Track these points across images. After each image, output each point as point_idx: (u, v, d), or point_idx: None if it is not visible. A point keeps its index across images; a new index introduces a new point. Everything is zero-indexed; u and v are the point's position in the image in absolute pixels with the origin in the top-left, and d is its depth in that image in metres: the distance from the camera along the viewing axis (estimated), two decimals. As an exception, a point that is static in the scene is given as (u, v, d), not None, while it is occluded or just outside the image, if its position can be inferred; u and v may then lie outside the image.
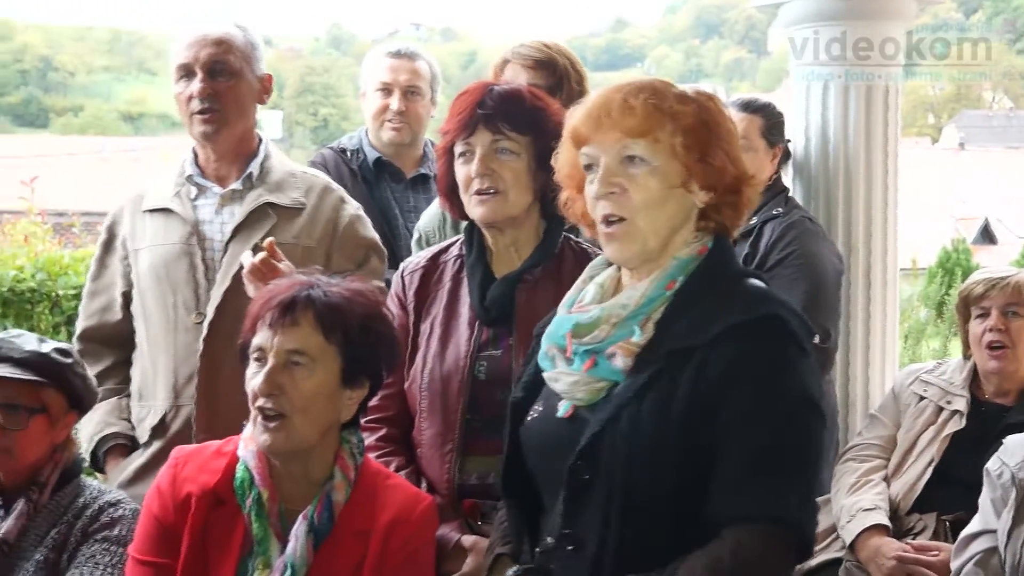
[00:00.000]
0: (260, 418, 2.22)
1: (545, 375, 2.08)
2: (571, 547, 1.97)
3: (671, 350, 1.93)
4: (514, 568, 2.10)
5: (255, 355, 2.25)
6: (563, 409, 2.03)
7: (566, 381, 2.02)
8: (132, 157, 28.45)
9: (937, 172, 27.12)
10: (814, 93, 3.88)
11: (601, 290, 2.08)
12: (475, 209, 2.54)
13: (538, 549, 2.05)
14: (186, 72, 2.98)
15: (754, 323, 1.92)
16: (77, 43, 65.69)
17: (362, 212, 3.14)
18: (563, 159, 2.10)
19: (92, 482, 2.69)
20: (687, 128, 1.97)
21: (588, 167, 2.02)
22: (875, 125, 3.85)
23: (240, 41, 3.02)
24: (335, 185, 3.17)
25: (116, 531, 2.53)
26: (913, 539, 3.01)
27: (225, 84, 2.97)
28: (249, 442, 2.30)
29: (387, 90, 3.88)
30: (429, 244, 3.03)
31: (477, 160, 2.51)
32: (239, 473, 2.28)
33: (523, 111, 2.53)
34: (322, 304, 2.24)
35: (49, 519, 2.55)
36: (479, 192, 2.52)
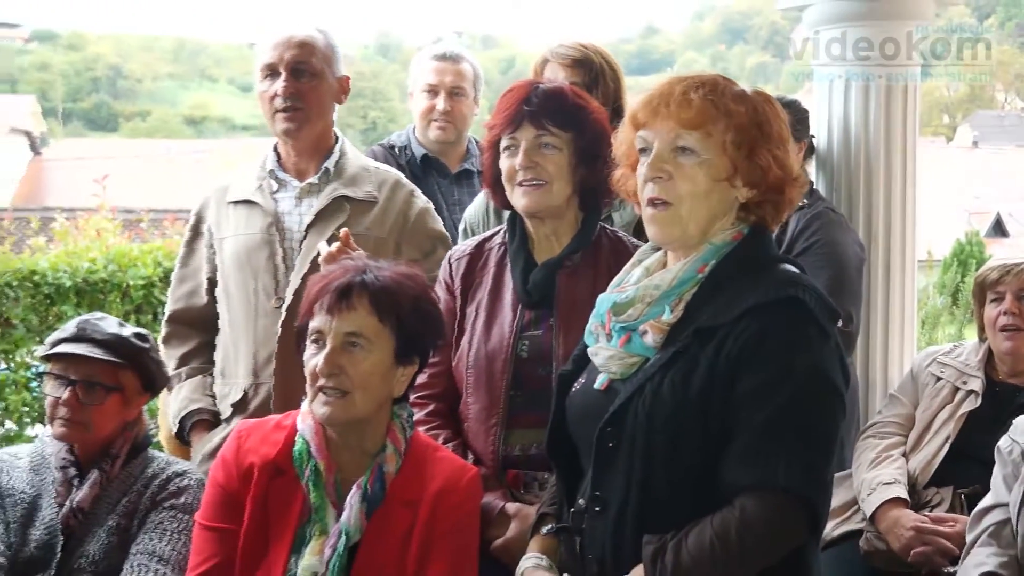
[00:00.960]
0: (320, 394, 2.23)
1: (588, 350, 2.11)
2: (597, 508, 2.00)
3: (697, 328, 1.95)
4: (549, 526, 2.17)
5: (313, 337, 2.26)
6: (600, 381, 2.07)
7: (604, 355, 2.05)
8: (195, 159, 28.69)
9: (952, 169, 26.85)
10: (836, 91, 3.84)
11: (647, 272, 2.10)
12: (519, 199, 2.55)
13: (572, 509, 2.09)
14: (271, 72, 2.99)
15: (774, 304, 1.93)
16: (144, 52, 66.14)
17: (430, 206, 3.14)
18: (621, 138, 2.11)
19: (160, 454, 2.72)
20: (739, 126, 1.98)
21: (642, 150, 2.03)
22: (894, 121, 3.81)
23: (322, 44, 3.02)
24: (406, 180, 3.16)
25: (183, 499, 2.55)
26: (930, 511, 2.97)
27: (307, 84, 2.98)
28: (307, 416, 2.31)
29: (433, 91, 3.88)
30: (475, 235, 3.03)
31: (522, 154, 2.51)
32: (298, 445, 2.29)
33: (565, 108, 2.52)
34: (376, 288, 2.25)
35: (120, 488, 2.58)
36: (523, 183, 2.52)
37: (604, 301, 2.08)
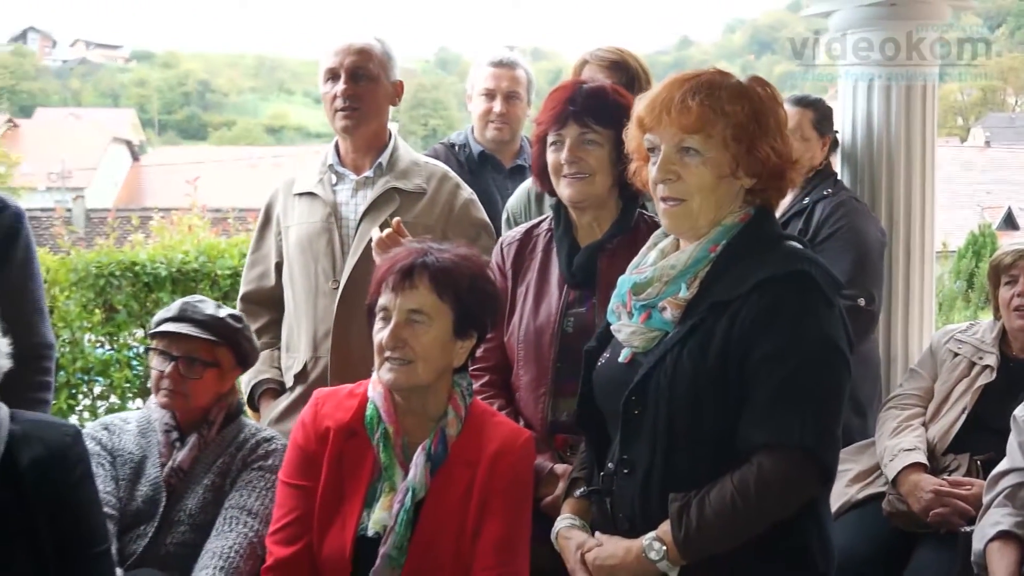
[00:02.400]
0: (386, 363, 2.24)
1: (611, 327, 2.10)
2: (626, 471, 2.00)
3: (712, 303, 1.94)
4: (581, 489, 2.16)
5: (380, 313, 2.27)
6: (624, 355, 2.06)
7: (626, 332, 2.04)
8: (275, 163, 28.97)
9: (965, 167, 26.42)
10: (860, 90, 3.78)
11: (662, 254, 2.09)
12: (565, 190, 2.54)
13: (601, 473, 2.08)
14: (332, 75, 3.00)
15: (782, 277, 1.92)
16: (230, 69, 66.94)
17: (475, 197, 3.13)
18: (631, 136, 2.09)
19: (250, 422, 2.75)
20: (737, 124, 1.96)
21: (650, 150, 2.03)
22: (914, 117, 3.74)
23: (378, 51, 3.02)
24: (452, 173, 3.16)
25: (269, 461, 2.57)
26: (948, 476, 2.92)
27: (364, 87, 2.98)
28: (377, 384, 2.32)
29: (490, 95, 3.86)
30: (516, 223, 3.04)
31: (567, 149, 2.50)
32: (369, 411, 2.30)
33: (607, 107, 2.50)
34: (436, 268, 2.25)
35: (216, 451, 2.61)
36: (568, 176, 2.51)
37: (624, 282, 2.08)
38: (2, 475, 1.88)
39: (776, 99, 2.03)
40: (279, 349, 3.09)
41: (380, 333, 2.25)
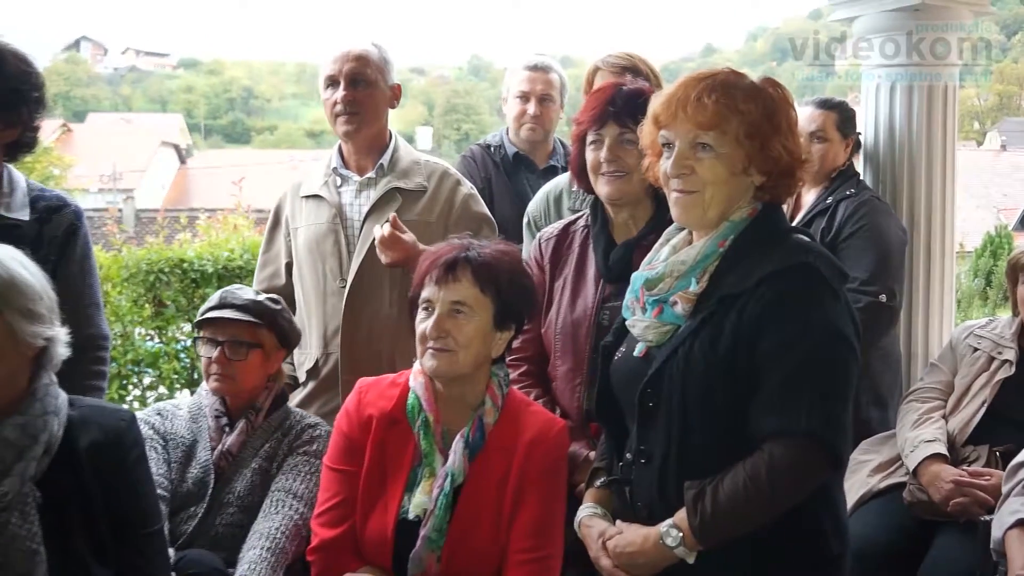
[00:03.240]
0: (429, 351, 2.24)
1: (626, 323, 2.09)
2: (643, 460, 1.99)
3: (721, 297, 1.92)
4: (602, 479, 2.15)
5: (423, 305, 2.27)
6: (638, 349, 2.04)
7: (640, 326, 2.03)
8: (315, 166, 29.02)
9: (982, 170, 26.11)
10: (882, 91, 3.73)
11: (673, 250, 2.07)
12: (603, 187, 2.53)
13: (620, 463, 2.07)
14: (332, 82, 2.99)
15: (789, 270, 1.90)
16: (272, 76, 67.34)
17: (475, 191, 3.13)
18: (646, 132, 2.07)
19: (296, 410, 2.75)
20: (750, 123, 1.94)
21: (665, 145, 2.01)
22: (935, 119, 3.69)
23: (376, 56, 3.01)
24: (453, 170, 3.16)
25: (314, 447, 2.59)
26: (968, 467, 2.89)
27: (363, 92, 2.97)
28: (418, 374, 2.32)
29: (525, 97, 3.86)
30: (537, 226, 3.03)
31: (606, 148, 2.50)
32: (410, 400, 2.31)
33: (646, 109, 2.49)
34: (478, 263, 2.26)
35: (263, 436, 2.62)
36: (606, 174, 2.50)
37: (637, 278, 2.06)
38: (61, 457, 1.91)
39: (788, 100, 2.02)
40: None
41: (423, 323, 2.25)
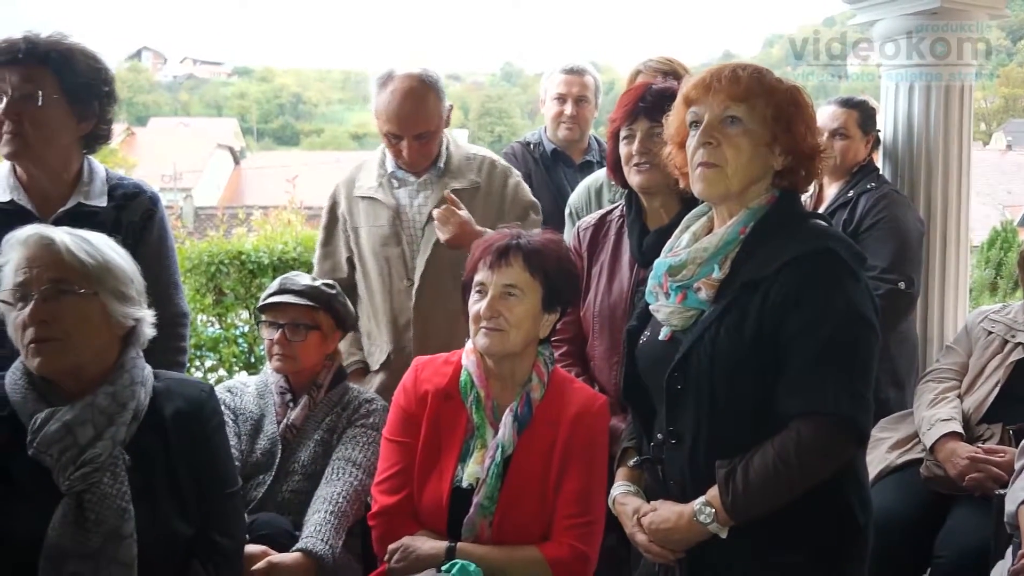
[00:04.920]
0: (482, 330, 2.26)
1: (651, 307, 2.06)
2: (673, 441, 1.97)
3: (744, 282, 1.89)
4: (634, 459, 2.13)
5: (477, 288, 2.29)
6: (663, 333, 2.01)
7: (665, 311, 2.00)
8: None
9: (988, 170, 25.72)
10: (901, 91, 3.70)
11: (694, 237, 2.03)
12: (635, 178, 2.53)
13: (651, 443, 2.05)
14: (396, 139, 2.92)
15: (810, 254, 1.86)
16: (319, 82, 67.55)
17: (521, 179, 3.13)
18: (672, 118, 2.04)
19: (354, 386, 2.78)
20: (778, 103, 1.92)
21: (692, 124, 1.97)
22: (952, 117, 3.66)
23: (432, 100, 2.90)
24: (500, 160, 3.15)
25: (371, 420, 2.61)
26: (982, 444, 2.87)
27: (428, 143, 2.92)
28: (471, 353, 2.34)
29: (562, 99, 3.87)
30: (578, 216, 3.02)
31: (637, 141, 2.50)
32: (463, 376, 2.33)
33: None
34: (528, 249, 2.27)
35: (324, 410, 2.65)
36: (638, 165, 2.50)
37: (660, 265, 2.02)
38: (148, 424, 1.96)
39: (810, 101, 1.99)
40: (358, 332, 3.07)
41: (477, 305, 2.27)
